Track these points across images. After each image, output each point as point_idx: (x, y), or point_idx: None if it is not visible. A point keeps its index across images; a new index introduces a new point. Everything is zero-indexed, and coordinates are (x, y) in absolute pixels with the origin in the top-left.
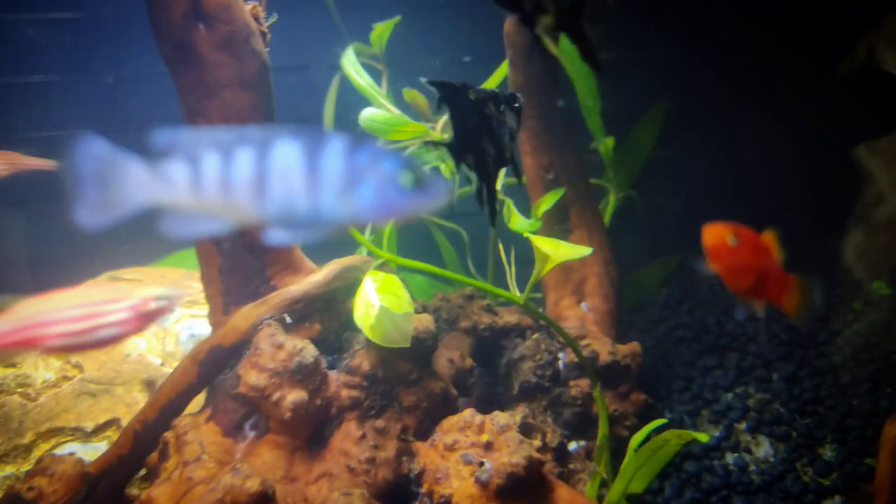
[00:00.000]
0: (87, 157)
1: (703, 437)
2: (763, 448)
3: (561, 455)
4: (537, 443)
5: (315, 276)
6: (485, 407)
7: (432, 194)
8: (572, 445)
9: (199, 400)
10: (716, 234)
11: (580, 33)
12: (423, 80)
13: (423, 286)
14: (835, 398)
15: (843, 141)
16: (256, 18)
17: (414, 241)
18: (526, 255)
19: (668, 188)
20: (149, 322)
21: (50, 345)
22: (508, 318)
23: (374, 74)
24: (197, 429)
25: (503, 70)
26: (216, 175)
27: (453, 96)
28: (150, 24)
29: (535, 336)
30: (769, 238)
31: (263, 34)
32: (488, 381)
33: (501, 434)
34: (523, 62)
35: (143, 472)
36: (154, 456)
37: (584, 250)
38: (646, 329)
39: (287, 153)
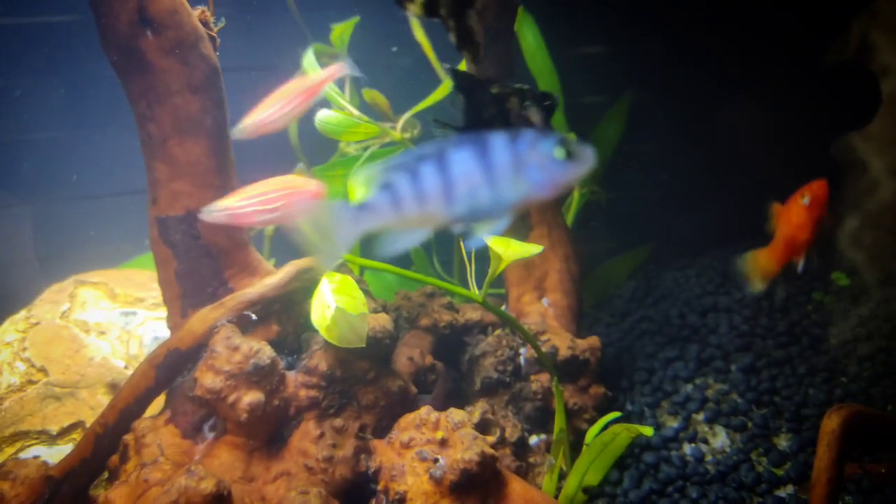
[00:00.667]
0: (306, 212)
1: (647, 431)
2: (720, 438)
3: (521, 449)
4: (491, 438)
5: (271, 279)
6: (450, 403)
7: (585, 161)
8: (533, 439)
9: (161, 402)
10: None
11: (462, 24)
12: (445, 66)
13: (393, 284)
14: (791, 388)
15: (816, 131)
16: (205, 23)
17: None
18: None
19: (638, 181)
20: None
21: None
22: (471, 314)
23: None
24: (156, 431)
25: (461, 68)
26: (411, 195)
27: (470, 86)
28: (98, 31)
29: (497, 332)
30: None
31: (213, 39)
32: (455, 377)
33: (456, 431)
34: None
35: (107, 474)
36: (115, 458)
37: (533, 248)
38: (612, 322)
39: (464, 159)
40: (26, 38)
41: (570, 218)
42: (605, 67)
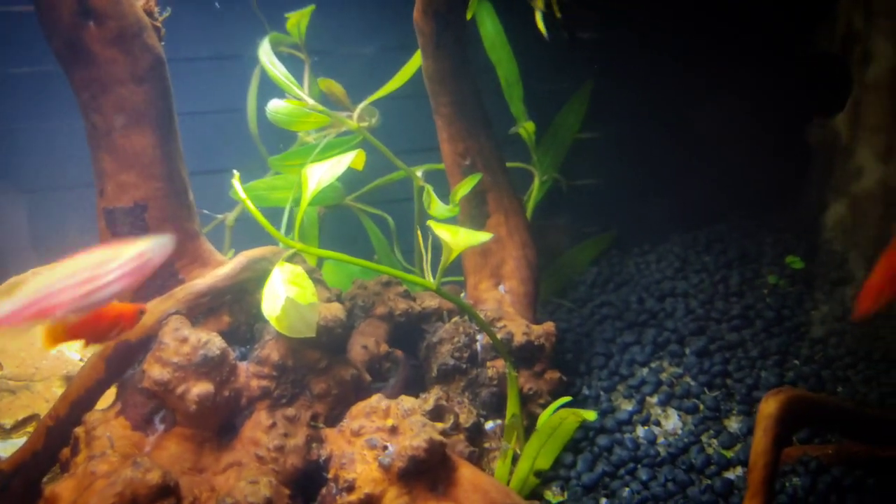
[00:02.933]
0: None
1: (590, 415)
2: (672, 421)
3: (476, 434)
4: (440, 424)
5: (222, 269)
6: (410, 390)
7: None
8: (489, 425)
9: (114, 395)
10: None
11: None
12: None
13: (357, 275)
14: (743, 371)
15: (783, 116)
16: (150, 13)
17: (344, 228)
18: None
19: (602, 168)
20: (144, 274)
21: (58, 314)
22: (429, 302)
23: (299, 64)
24: (106, 423)
25: (418, 58)
26: None
27: None
28: (39, 22)
29: (455, 319)
30: None
31: (157, 29)
32: (415, 365)
33: (406, 418)
34: (432, 49)
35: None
36: (66, 451)
37: (482, 236)
38: (573, 308)
39: None
40: (21, 28)
41: (531, 206)
42: (566, 54)
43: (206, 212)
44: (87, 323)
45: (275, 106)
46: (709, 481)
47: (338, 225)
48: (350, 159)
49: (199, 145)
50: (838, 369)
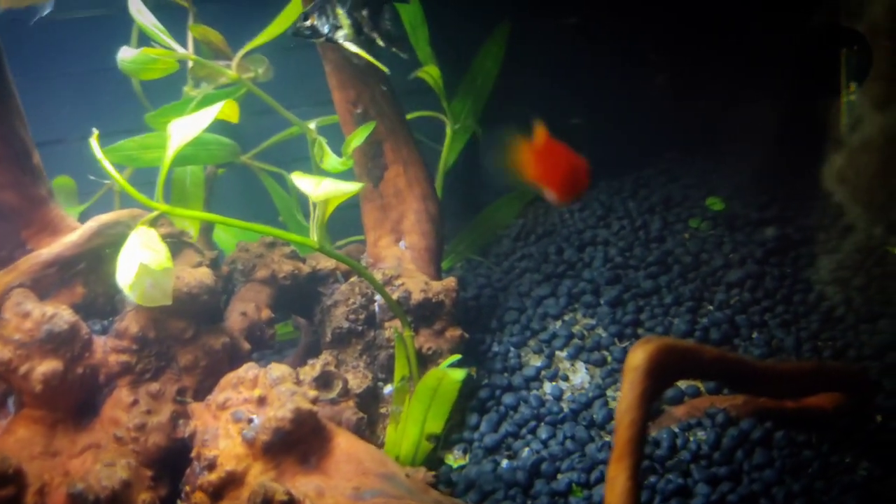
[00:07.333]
0: None
1: (458, 375)
2: (580, 375)
3: (370, 400)
4: (313, 392)
5: (69, 237)
6: (313, 357)
7: None
8: (387, 388)
9: None
10: None
11: None
12: None
13: (255, 238)
14: (656, 319)
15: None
16: None
17: (247, 189)
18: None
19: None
20: None
21: None
22: (325, 263)
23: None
24: None
25: (296, 4)
26: None
27: None
28: None
29: (352, 280)
30: None
31: None
32: (317, 330)
33: (274, 387)
34: None
35: None
36: None
37: (349, 186)
38: (496, 262)
39: None
40: None
41: (446, 157)
42: None
43: (92, 178)
44: None
45: (123, 54)
46: (609, 437)
47: (240, 186)
48: (216, 111)
49: (90, 107)
50: (754, 314)
